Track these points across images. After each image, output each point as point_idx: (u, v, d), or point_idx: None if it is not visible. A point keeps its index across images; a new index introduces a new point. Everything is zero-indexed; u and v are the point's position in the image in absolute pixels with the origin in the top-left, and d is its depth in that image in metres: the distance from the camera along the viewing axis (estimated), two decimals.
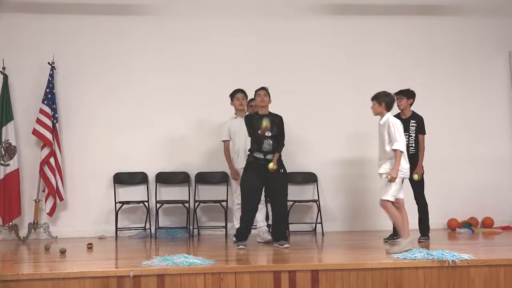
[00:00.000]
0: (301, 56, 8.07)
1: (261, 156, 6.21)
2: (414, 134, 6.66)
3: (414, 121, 6.69)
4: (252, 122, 6.32)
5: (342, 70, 8.11)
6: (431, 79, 8.15)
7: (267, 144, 6.22)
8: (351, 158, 7.96)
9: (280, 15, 8.10)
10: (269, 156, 6.21)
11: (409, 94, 6.72)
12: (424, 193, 6.70)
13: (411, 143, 6.64)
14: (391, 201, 5.70)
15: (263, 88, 6.38)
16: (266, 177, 6.20)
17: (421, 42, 8.29)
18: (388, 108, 5.88)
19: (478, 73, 8.33)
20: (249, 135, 6.42)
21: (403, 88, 6.73)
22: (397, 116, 6.56)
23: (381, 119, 5.90)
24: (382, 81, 7.79)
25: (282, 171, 6.31)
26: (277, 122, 6.34)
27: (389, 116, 5.86)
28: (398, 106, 6.66)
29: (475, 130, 8.22)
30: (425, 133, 6.69)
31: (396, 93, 6.59)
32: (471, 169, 8.11)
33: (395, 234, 6.51)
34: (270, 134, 6.23)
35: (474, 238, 7.03)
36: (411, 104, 6.76)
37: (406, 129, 6.52)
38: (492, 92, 8.34)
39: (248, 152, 6.41)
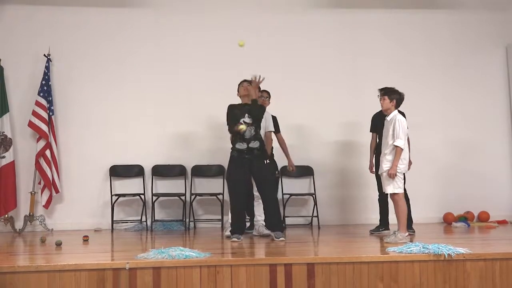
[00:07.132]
0: (297, 50, 8.05)
1: (244, 145, 6.18)
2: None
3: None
4: (232, 113, 6.30)
5: (338, 63, 8.10)
6: (428, 73, 8.15)
7: (249, 131, 6.22)
8: (348, 151, 7.96)
9: (278, 8, 8.09)
10: (252, 144, 6.20)
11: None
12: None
13: None
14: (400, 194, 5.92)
15: (246, 81, 6.40)
16: (251, 170, 6.22)
17: (417, 36, 8.28)
18: (397, 105, 6.05)
19: (475, 67, 8.33)
20: (228, 128, 6.40)
21: (387, 85, 6.34)
22: (380, 113, 6.56)
23: (388, 115, 6.05)
24: (378, 74, 7.84)
25: (267, 162, 6.32)
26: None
27: (397, 113, 6.02)
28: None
29: (471, 124, 8.22)
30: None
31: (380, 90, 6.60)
32: (467, 163, 8.12)
33: (381, 226, 6.72)
34: (251, 122, 6.24)
35: (470, 232, 7.03)
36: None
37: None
38: (489, 86, 8.34)
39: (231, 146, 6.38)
